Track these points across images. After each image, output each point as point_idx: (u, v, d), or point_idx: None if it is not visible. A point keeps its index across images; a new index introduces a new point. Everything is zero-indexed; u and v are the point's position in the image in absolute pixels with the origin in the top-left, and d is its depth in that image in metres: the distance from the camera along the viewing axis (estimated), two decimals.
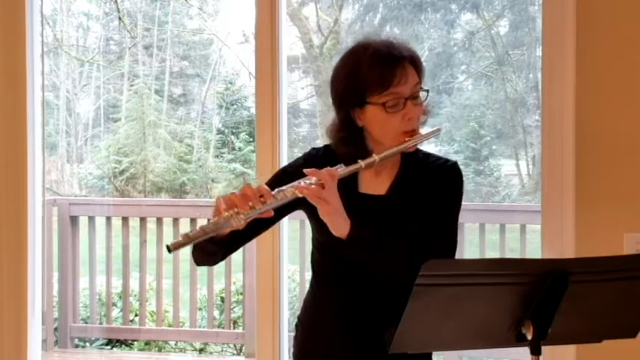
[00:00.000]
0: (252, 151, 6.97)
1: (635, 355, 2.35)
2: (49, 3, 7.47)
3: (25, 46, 3.04)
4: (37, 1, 3.11)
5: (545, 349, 1.56)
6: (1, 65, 3.05)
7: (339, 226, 1.69)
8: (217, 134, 7.94)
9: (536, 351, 1.49)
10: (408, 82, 1.72)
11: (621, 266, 1.49)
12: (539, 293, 1.44)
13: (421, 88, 1.76)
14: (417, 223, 1.76)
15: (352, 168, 1.73)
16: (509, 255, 4.32)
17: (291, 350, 2.00)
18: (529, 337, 1.48)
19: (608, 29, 2.49)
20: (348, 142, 1.80)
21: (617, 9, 2.49)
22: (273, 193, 1.67)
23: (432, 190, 1.79)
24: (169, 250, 1.64)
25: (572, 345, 2.44)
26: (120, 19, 7.38)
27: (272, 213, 1.68)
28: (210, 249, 1.76)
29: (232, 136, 7.91)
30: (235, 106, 8.00)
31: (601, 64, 2.50)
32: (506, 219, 4.33)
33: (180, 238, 1.64)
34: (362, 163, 1.73)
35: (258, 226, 1.80)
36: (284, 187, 1.70)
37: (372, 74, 1.71)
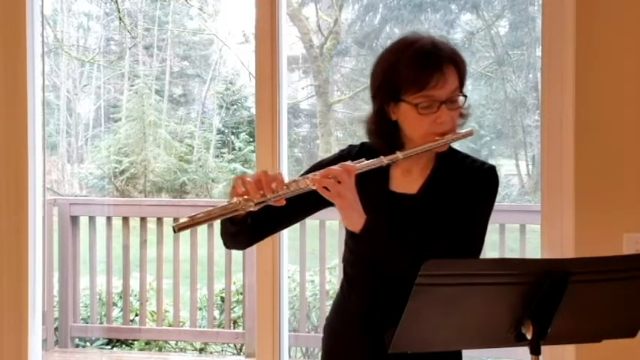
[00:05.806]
0: (252, 151, 6.98)
1: (635, 355, 2.35)
2: (50, 3, 7.48)
3: (25, 46, 3.04)
4: (38, 2, 3.11)
5: (545, 349, 1.56)
6: (1, 65, 3.05)
7: (353, 220, 1.67)
8: (217, 134, 7.94)
9: (536, 351, 1.49)
10: (445, 86, 1.68)
11: (621, 266, 1.49)
12: (539, 293, 1.44)
13: (460, 93, 1.73)
14: (444, 225, 1.72)
15: (372, 163, 1.71)
16: (509, 255, 4.32)
17: (319, 353, 1.97)
18: (529, 337, 1.48)
19: (608, 29, 2.49)
20: (379, 133, 1.78)
21: (617, 9, 2.49)
22: (286, 182, 1.66)
23: (465, 191, 1.75)
24: (175, 230, 1.64)
25: (572, 345, 2.44)
26: (120, 19, 7.39)
27: (284, 202, 1.66)
28: (229, 229, 1.75)
29: (232, 136, 7.91)
30: (235, 106, 8.01)
31: (601, 64, 2.50)
32: (505, 219, 4.32)
33: (185, 219, 1.64)
34: (384, 159, 1.71)
35: (278, 216, 1.77)
36: (298, 178, 1.69)
37: (408, 74, 1.67)
